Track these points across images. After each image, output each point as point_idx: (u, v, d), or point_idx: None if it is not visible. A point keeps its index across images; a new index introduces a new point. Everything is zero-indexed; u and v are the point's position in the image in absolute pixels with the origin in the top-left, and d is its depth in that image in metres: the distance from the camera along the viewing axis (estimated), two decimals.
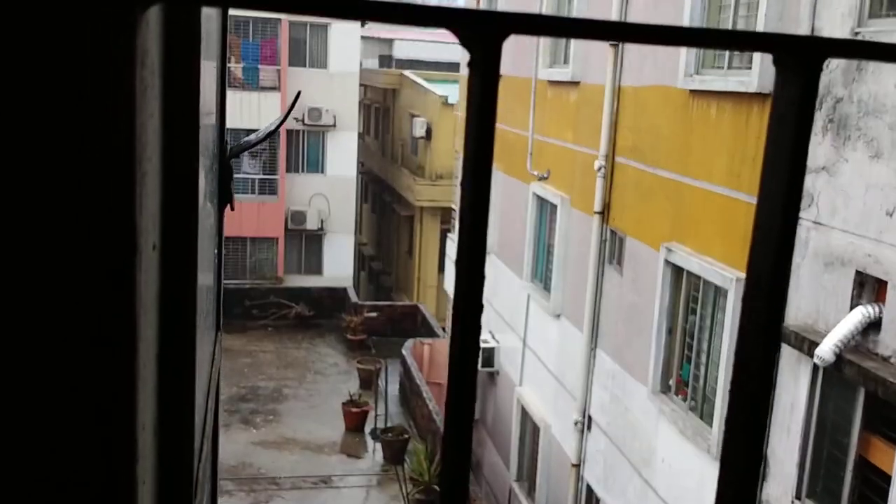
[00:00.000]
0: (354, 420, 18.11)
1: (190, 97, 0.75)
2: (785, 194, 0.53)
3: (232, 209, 1.91)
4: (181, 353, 0.77)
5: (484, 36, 0.52)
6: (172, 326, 0.70)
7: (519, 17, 0.54)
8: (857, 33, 6.61)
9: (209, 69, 1.55)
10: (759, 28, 7.65)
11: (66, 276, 0.51)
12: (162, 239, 0.65)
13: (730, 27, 8.41)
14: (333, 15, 0.53)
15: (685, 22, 8.85)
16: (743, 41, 0.61)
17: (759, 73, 7.66)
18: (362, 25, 28.21)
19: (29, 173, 0.50)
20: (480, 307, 0.51)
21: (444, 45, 34.58)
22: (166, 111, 0.62)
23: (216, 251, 1.79)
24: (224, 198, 1.76)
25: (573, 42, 11.85)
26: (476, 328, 0.52)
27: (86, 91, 0.49)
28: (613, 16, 10.43)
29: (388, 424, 17.79)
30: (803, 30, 7.17)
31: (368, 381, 19.64)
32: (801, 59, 0.54)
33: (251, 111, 25.35)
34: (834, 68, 6.86)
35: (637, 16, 10.17)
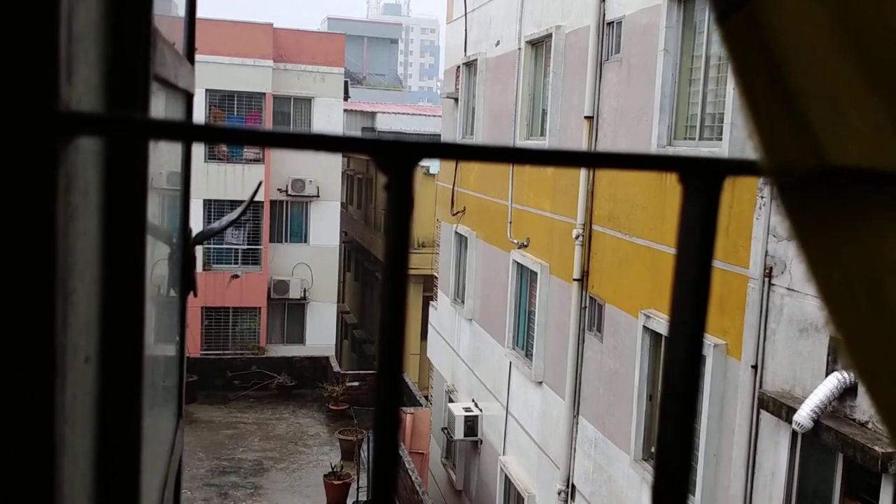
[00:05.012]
0: (336, 493, 17.80)
1: (135, 212, 0.79)
2: (692, 309, 0.57)
3: (195, 296, 1.94)
4: (125, 457, 0.79)
5: (397, 162, 0.56)
6: (114, 431, 0.72)
7: (428, 145, 0.59)
8: None
9: (172, 161, 1.60)
10: (728, 101, 7.84)
11: None
12: (101, 348, 0.68)
13: (699, 101, 8.61)
14: (260, 145, 0.58)
15: (657, 95, 9.06)
16: (650, 163, 0.65)
17: (728, 142, 7.82)
18: (345, 99, 28.59)
19: None
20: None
21: (424, 118, 35.06)
22: (107, 225, 0.66)
23: (178, 338, 1.82)
24: (187, 285, 1.80)
25: (550, 114, 12.08)
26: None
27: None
28: (588, 90, 10.66)
29: (371, 497, 17.47)
30: None
31: (350, 453, 19.37)
32: (703, 177, 0.59)
33: (235, 183, 25.52)
34: None
35: (611, 91, 10.40)
